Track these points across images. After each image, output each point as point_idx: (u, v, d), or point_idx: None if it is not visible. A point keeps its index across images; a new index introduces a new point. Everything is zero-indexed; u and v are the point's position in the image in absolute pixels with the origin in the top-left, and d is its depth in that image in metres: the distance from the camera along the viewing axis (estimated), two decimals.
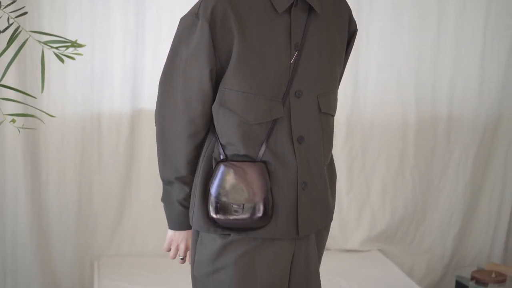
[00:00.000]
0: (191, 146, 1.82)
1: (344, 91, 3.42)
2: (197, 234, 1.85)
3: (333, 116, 1.89)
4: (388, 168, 3.56)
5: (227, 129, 1.77)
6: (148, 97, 3.20)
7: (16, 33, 2.32)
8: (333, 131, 1.91)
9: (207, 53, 1.74)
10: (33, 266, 3.17)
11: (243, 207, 1.76)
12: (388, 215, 3.59)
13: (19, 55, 2.67)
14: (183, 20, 1.79)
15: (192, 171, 1.85)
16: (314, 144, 1.82)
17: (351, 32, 1.94)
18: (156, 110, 1.85)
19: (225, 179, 1.76)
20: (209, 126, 1.83)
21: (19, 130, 2.40)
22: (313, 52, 1.79)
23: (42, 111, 2.42)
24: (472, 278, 3.35)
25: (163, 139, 1.85)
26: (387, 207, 3.59)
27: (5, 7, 2.36)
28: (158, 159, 1.88)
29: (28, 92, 2.85)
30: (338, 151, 3.47)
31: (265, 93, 1.75)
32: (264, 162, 1.77)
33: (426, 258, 3.67)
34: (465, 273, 3.50)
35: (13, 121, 2.29)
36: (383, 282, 3.21)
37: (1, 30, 2.37)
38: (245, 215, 1.76)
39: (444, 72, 3.53)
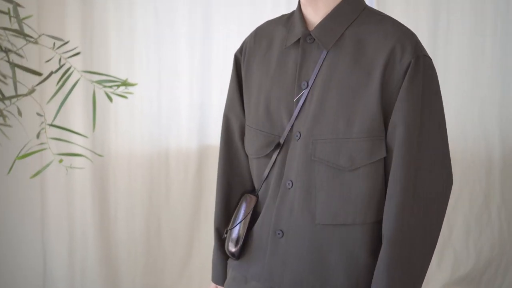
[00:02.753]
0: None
1: None
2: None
3: (348, 170, 1.57)
4: (471, 206, 3.38)
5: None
6: (215, 133, 3.18)
7: (68, 73, 2.36)
8: (354, 189, 1.57)
9: (233, 84, 1.76)
10: None
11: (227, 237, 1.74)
12: (473, 257, 3.40)
13: (78, 96, 2.72)
14: None
15: None
16: (300, 195, 1.61)
17: (403, 67, 1.55)
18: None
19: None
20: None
21: (67, 169, 2.43)
22: (321, 93, 1.60)
23: (90, 150, 2.45)
24: None
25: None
26: (471, 249, 3.40)
27: (58, 48, 2.40)
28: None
29: (85, 130, 2.88)
30: None
31: (264, 128, 1.65)
32: (257, 197, 1.70)
33: None
34: None
35: (61, 161, 2.31)
36: None
37: (54, 71, 2.42)
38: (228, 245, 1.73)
39: None
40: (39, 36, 2.36)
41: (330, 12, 1.60)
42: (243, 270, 1.70)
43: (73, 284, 3.19)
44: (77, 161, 2.90)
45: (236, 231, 1.71)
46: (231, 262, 1.76)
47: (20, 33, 2.30)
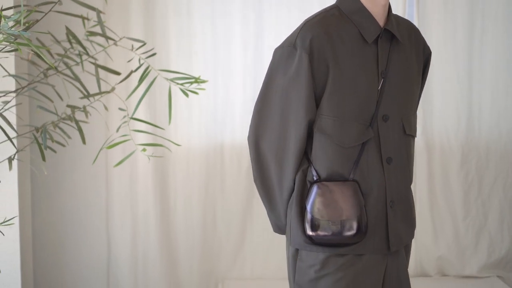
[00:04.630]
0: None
1: (458, 118, 3.49)
2: (296, 252, 1.97)
3: (414, 137, 2.05)
4: (505, 194, 3.57)
5: (322, 152, 1.90)
6: None
7: (146, 72, 2.60)
8: (413, 152, 2.06)
9: (307, 81, 1.87)
10: (163, 286, 3.41)
11: (339, 224, 1.87)
12: (507, 241, 3.58)
13: (149, 92, 2.95)
14: (279, 50, 1.93)
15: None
16: (401, 164, 1.98)
17: (426, 57, 2.10)
18: (250, 135, 1.97)
19: (320, 199, 1.88)
20: (302, 151, 1.94)
21: (149, 158, 2.66)
22: (396, 78, 1.95)
23: (169, 140, 2.68)
24: None
25: (260, 163, 1.98)
26: (506, 233, 3.58)
27: (137, 49, 2.64)
28: (255, 180, 2.01)
29: (157, 125, 3.11)
30: (454, 177, 3.53)
31: (357, 118, 1.90)
32: (356, 181, 1.90)
33: None
34: None
35: (144, 150, 2.55)
36: None
37: (133, 70, 2.66)
38: (340, 232, 1.87)
39: None
40: (120, 39, 2.60)
41: (388, 10, 1.96)
42: (357, 249, 1.91)
43: (136, 269, 3.41)
44: (149, 152, 3.11)
45: (355, 220, 1.89)
46: (331, 251, 1.91)
47: (104, 36, 2.55)
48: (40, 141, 2.53)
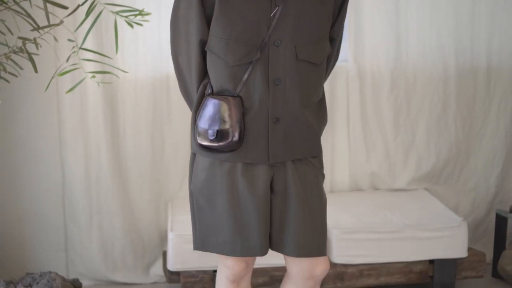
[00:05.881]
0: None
1: (387, 47, 3.74)
2: (193, 156, 2.26)
3: (316, 64, 2.18)
4: (431, 114, 3.85)
5: (213, 69, 2.17)
6: None
7: (92, 5, 2.76)
8: (320, 78, 2.22)
9: (197, 4, 2.12)
10: (115, 207, 3.65)
11: (215, 133, 2.13)
12: (433, 157, 3.89)
13: (96, 24, 3.11)
14: None
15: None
16: (291, 87, 2.15)
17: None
18: (171, 52, 2.25)
19: (205, 110, 2.15)
20: (200, 68, 2.21)
21: (98, 84, 2.83)
22: (294, 8, 2.12)
23: (117, 68, 2.87)
24: (511, 211, 3.64)
25: (180, 76, 2.27)
26: (432, 150, 3.89)
27: None
28: (180, 91, 2.30)
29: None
30: (384, 101, 3.79)
31: (243, 40, 2.11)
32: (240, 97, 2.14)
33: (470, 197, 3.96)
34: (506, 207, 3.78)
35: (93, 77, 2.73)
36: (426, 214, 3.51)
37: (80, 4, 2.81)
38: (218, 140, 2.13)
39: (482, 26, 3.78)
40: None
41: None
42: (239, 158, 2.16)
43: (90, 192, 3.63)
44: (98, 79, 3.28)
45: (226, 127, 2.12)
46: (215, 157, 2.18)
47: None
48: None
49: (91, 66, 3.17)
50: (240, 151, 2.17)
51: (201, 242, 2.30)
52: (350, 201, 3.69)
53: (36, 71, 2.70)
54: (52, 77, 2.73)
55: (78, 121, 3.56)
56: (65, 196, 3.63)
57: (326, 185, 3.81)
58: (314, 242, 2.25)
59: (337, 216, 3.44)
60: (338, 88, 3.75)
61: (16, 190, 3.60)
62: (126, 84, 3.56)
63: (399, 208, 3.57)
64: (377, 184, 3.89)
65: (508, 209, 3.69)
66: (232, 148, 2.16)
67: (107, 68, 3.14)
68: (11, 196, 3.59)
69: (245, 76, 2.13)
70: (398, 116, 3.83)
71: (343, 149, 3.83)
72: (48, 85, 2.75)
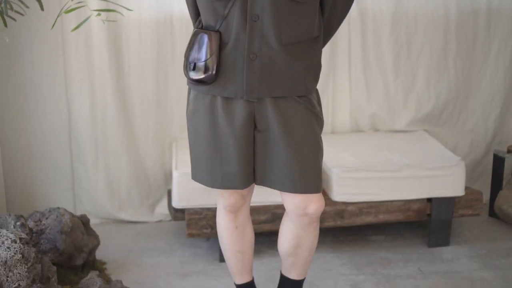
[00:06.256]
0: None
1: None
2: (189, 88, 2.37)
3: (300, 2, 2.15)
4: (431, 57, 3.88)
5: (200, 5, 2.26)
6: None
7: None
8: (306, 16, 2.19)
9: None
10: (121, 146, 3.72)
11: (193, 66, 2.22)
12: (433, 99, 3.94)
13: None
14: None
15: None
16: (269, 24, 2.15)
17: None
18: None
19: (191, 44, 2.25)
20: (193, 5, 2.33)
21: (104, 22, 2.88)
22: None
23: (122, 6, 2.91)
24: (509, 151, 3.71)
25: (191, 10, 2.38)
26: (432, 92, 3.93)
27: None
28: None
29: None
30: (385, 43, 3.83)
31: None
32: (219, 32, 2.20)
33: (469, 138, 4.03)
34: (504, 148, 3.86)
35: (98, 14, 2.78)
36: (425, 154, 3.57)
37: None
38: (196, 72, 2.23)
39: None
40: None
41: None
42: (217, 91, 2.24)
43: (96, 132, 3.70)
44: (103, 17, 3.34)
45: (203, 60, 2.20)
46: (198, 90, 2.28)
47: None
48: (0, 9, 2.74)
49: (96, 4, 3.21)
50: (219, 85, 2.24)
51: (194, 173, 2.42)
52: (350, 142, 3.75)
53: (42, 9, 2.74)
54: (59, 15, 2.77)
55: (83, 60, 3.60)
56: (71, 135, 3.70)
57: (327, 126, 3.87)
58: (304, 179, 2.28)
59: (338, 156, 3.51)
60: (339, 30, 3.78)
61: (23, 130, 3.66)
62: (131, 23, 3.59)
63: (399, 148, 3.64)
64: (377, 125, 3.95)
65: (506, 150, 3.76)
66: (207, 80, 2.23)
67: (112, 6, 3.18)
68: (18, 135, 3.66)
69: (225, 11, 2.18)
70: (399, 58, 3.87)
71: (344, 91, 3.88)
72: (54, 23, 2.80)
